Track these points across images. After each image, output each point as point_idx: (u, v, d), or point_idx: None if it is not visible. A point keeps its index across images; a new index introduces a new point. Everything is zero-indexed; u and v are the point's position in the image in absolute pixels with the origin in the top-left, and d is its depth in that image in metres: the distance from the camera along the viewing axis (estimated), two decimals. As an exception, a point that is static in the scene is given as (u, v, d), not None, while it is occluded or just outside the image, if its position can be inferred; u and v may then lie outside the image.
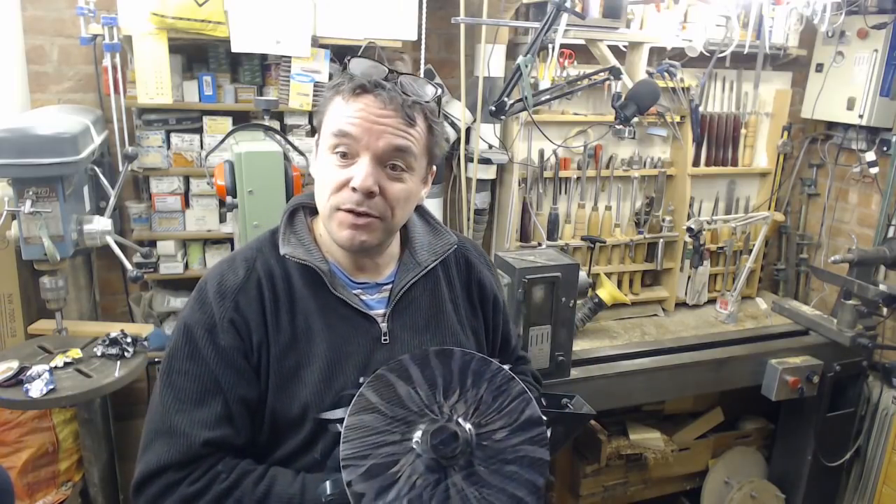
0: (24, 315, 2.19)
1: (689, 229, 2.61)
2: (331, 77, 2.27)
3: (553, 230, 2.70)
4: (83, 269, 2.35)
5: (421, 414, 0.96)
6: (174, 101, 2.21)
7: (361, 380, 0.98)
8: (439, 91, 1.09)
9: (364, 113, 1.01)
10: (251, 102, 2.30)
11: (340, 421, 0.94)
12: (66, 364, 1.87)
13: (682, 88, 2.66)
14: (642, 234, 2.80)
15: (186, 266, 2.43)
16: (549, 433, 1.03)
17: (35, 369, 1.77)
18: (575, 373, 2.24)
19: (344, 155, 1.03)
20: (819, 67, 3.02)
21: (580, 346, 2.42)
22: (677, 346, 2.51)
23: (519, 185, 2.63)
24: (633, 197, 2.80)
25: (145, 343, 2.04)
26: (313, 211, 1.15)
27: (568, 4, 2.05)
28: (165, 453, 1.00)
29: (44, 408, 2.03)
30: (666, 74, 2.54)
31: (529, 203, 2.66)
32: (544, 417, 1.03)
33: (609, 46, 2.37)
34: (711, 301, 2.95)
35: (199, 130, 2.33)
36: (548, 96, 2.30)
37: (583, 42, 2.39)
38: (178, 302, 2.42)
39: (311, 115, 2.37)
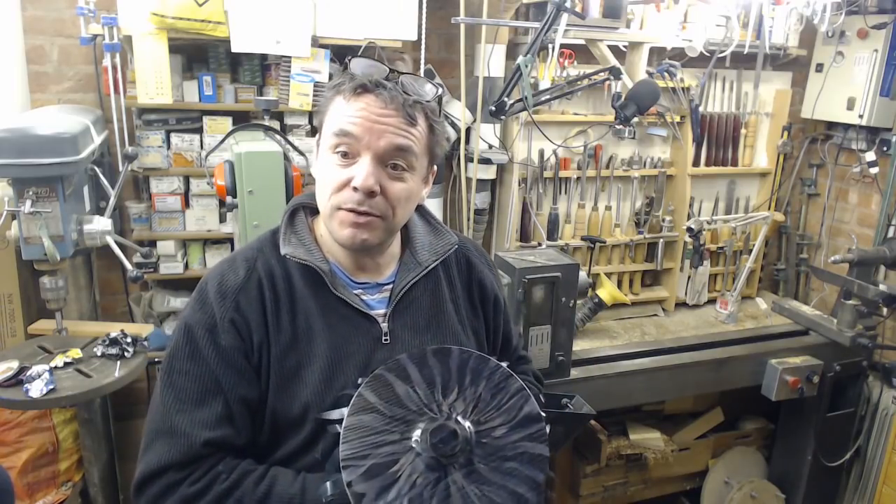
0: (24, 315, 2.19)
1: (689, 229, 2.61)
2: (331, 77, 2.27)
3: (553, 230, 2.70)
4: (83, 269, 2.35)
5: (420, 413, 0.96)
6: (174, 101, 2.21)
7: (360, 381, 0.98)
8: (440, 90, 1.09)
9: (365, 112, 1.01)
10: (251, 102, 2.30)
11: (339, 421, 0.94)
12: (66, 364, 1.87)
13: (682, 88, 2.66)
14: (642, 234, 2.80)
15: (186, 266, 2.43)
16: (548, 429, 1.03)
17: (35, 369, 1.77)
18: (575, 373, 2.24)
19: (345, 154, 1.03)
20: (819, 67, 3.03)
21: (580, 346, 2.42)
22: (677, 346, 2.51)
23: (519, 185, 2.63)
24: (633, 197, 2.80)
25: (145, 343, 2.04)
26: (314, 211, 1.15)
27: (568, 4, 2.06)
28: (166, 453, 1.00)
29: (44, 408, 2.03)
30: (666, 74, 2.54)
31: (529, 203, 2.66)
32: (543, 413, 1.03)
33: (609, 46, 2.37)
34: (711, 301, 2.95)
35: (199, 130, 2.33)
36: (548, 96, 2.30)
37: (583, 42, 2.39)
38: (178, 302, 2.42)
39: (311, 115, 2.37)
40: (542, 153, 2.64)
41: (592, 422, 2.58)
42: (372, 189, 1.01)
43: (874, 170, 2.91)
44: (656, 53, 2.75)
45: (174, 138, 2.30)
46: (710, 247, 2.92)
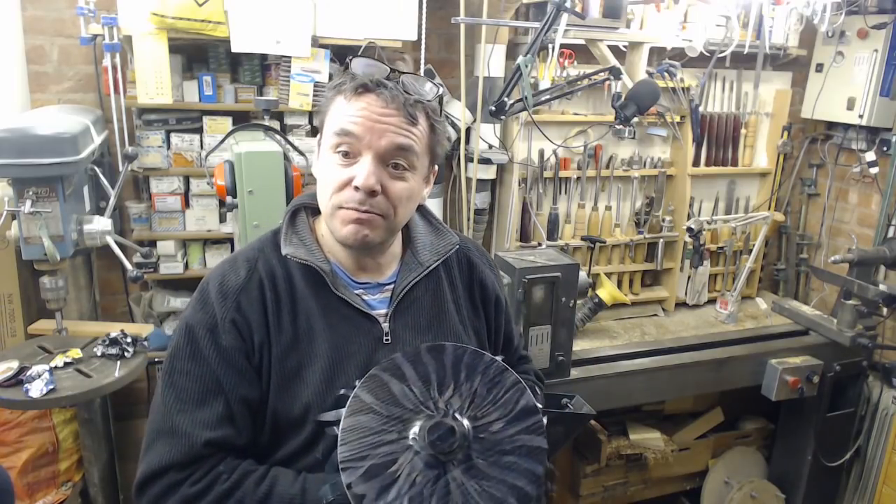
0: (24, 315, 2.19)
1: (689, 229, 2.61)
2: (331, 77, 2.27)
3: (553, 230, 2.70)
4: (83, 269, 2.35)
5: (416, 411, 0.96)
6: (174, 101, 2.21)
7: (357, 382, 0.98)
8: (441, 90, 1.09)
9: (366, 112, 1.01)
10: (251, 102, 2.30)
11: (337, 423, 0.94)
12: (66, 364, 1.87)
13: (682, 88, 2.66)
14: (642, 234, 2.80)
15: (186, 266, 2.43)
16: (545, 420, 1.03)
17: (35, 369, 1.77)
18: (575, 373, 2.24)
19: (346, 154, 1.03)
20: (819, 67, 3.03)
21: (580, 346, 2.42)
22: (677, 346, 2.51)
23: (519, 185, 2.63)
24: (633, 197, 2.80)
25: (145, 343, 2.03)
26: (315, 211, 1.15)
27: (568, 4, 2.06)
28: (167, 453, 1.00)
29: (44, 408, 2.03)
30: (666, 74, 2.54)
31: (529, 203, 2.66)
32: (539, 405, 1.03)
33: (609, 46, 2.37)
34: (711, 301, 2.95)
35: (199, 130, 2.33)
36: (548, 96, 2.30)
37: (583, 42, 2.39)
38: (178, 302, 2.42)
39: (311, 115, 2.37)
40: (542, 153, 2.64)
41: (592, 422, 2.58)
42: (373, 188, 1.01)
43: (874, 170, 2.92)
44: (656, 53, 2.75)
45: (174, 138, 2.30)
46: (710, 247, 2.92)
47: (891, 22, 2.74)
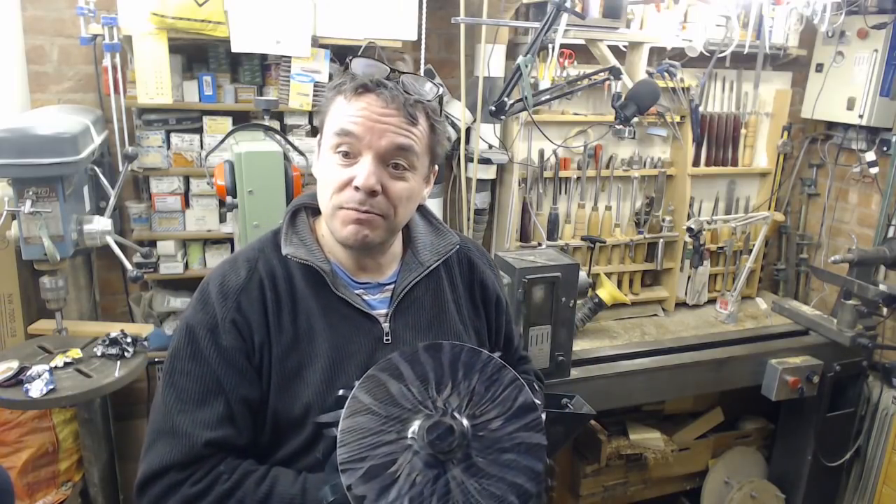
0: (24, 315, 2.19)
1: (689, 229, 2.61)
2: (331, 77, 2.27)
3: (553, 230, 2.70)
4: (83, 269, 2.35)
5: (415, 411, 0.96)
6: (174, 101, 2.21)
7: (356, 383, 0.98)
8: (441, 90, 1.09)
9: (366, 112, 1.01)
10: (251, 102, 2.30)
11: (335, 424, 0.94)
12: (66, 364, 1.87)
13: (682, 88, 2.66)
14: (642, 234, 2.80)
15: (186, 266, 2.43)
16: (543, 416, 1.03)
17: (35, 369, 1.77)
18: (575, 373, 2.24)
19: (346, 154, 1.03)
20: (819, 67, 3.03)
21: (580, 346, 2.42)
22: (677, 346, 2.51)
23: (519, 185, 2.63)
24: (633, 197, 2.80)
25: (145, 343, 2.03)
26: (315, 211, 1.15)
27: (568, 4, 2.06)
28: (168, 454, 1.00)
29: (44, 408, 2.03)
30: (666, 74, 2.54)
31: (529, 203, 2.66)
32: (537, 402, 1.03)
33: (609, 46, 2.37)
34: (711, 301, 2.95)
35: (199, 130, 2.33)
36: (548, 96, 2.30)
37: (583, 42, 2.39)
38: (178, 302, 2.42)
39: (311, 115, 2.37)
40: (542, 153, 2.64)
41: (592, 422, 2.58)
42: (373, 188, 1.01)
43: (874, 170, 2.92)
44: (656, 53, 2.75)
45: (174, 138, 2.30)
46: (710, 247, 2.92)
47: (891, 22, 2.74)
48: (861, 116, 2.85)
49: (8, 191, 1.85)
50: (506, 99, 2.11)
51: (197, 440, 1.00)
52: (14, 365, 1.80)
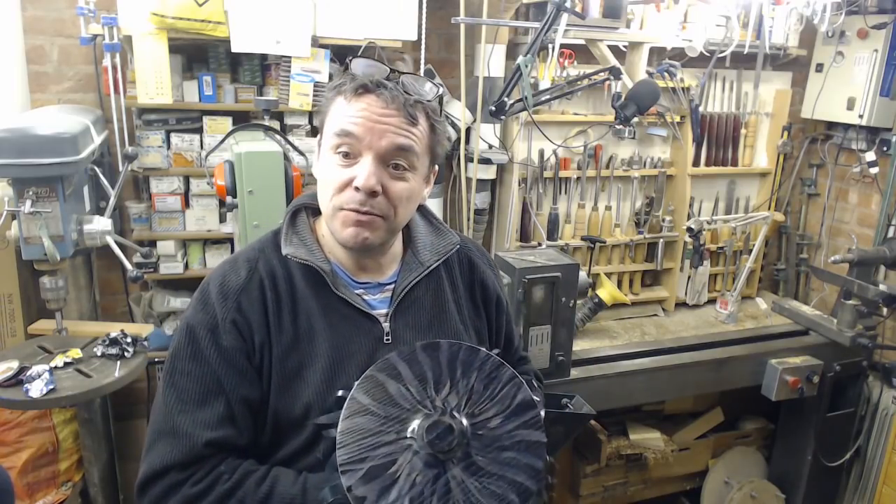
0: (24, 315, 2.19)
1: (689, 229, 2.61)
2: (331, 77, 2.27)
3: (553, 230, 2.70)
4: (83, 269, 2.35)
5: (414, 410, 0.96)
6: (174, 101, 2.21)
7: (355, 383, 0.98)
8: (440, 90, 1.09)
9: (366, 112, 1.01)
10: (251, 102, 2.30)
11: (335, 425, 0.94)
12: (66, 364, 1.87)
13: (682, 88, 2.66)
14: (642, 234, 2.80)
15: (186, 266, 2.43)
16: (542, 414, 1.03)
17: (35, 369, 1.77)
18: (575, 373, 2.24)
19: (346, 155, 1.03)
20: (819, 67, 3.03)
21: (580, 346, 2.42)
22: (677, 346, 2.51)
23: (519, 185, 2.63)
24: (633, 197, 2.80)
25: (145, 343, 2.03)
26: (316, 211, 1.15)
27: (568, 4, 2.05)
28: (168, 454, 1.00)
29: (44, 408, 2.03)
30: (666, 74, 2.53)
31: (529, 203, 2.66)
32: (537, 399, 1.03)
33: (609, 46, 2.37)
34: (711, 301, 2.95)
35: (199, 130, 2.33)
36: (548, 96, 2.30)
37: (583, 42, 2.39)
38: (178, 302, 2.42)
39: (311, 115, 2.37)
40: (542, 153, 2.64)
41: (592, 422, 2.58)
42: (374, 189, 1.01)
43: (874, 170, 2.92)
44: (656, 53, 2.75)
45: (174, 138, 2.30)
46: (710, 247, 2.92)
47: (891, 22, 2.74)
48: (861, 116, 2.85)
49: (8, 191, 1.85)
50: (506, 99, 2.11)
51: (197, 440, 1.00)
52: (14, 365, 1.80)
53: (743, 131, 2.93)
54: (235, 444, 1.04)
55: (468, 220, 2.62)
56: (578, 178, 2.70)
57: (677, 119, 2.72)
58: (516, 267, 1.99)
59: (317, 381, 1.05)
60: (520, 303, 2.00)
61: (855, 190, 3.09)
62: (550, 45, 2.21)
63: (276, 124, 2.15)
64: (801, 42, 2.93)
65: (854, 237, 3.05)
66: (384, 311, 1.13)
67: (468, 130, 2.56)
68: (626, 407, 2.66)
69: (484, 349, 1.03)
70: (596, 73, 2.29)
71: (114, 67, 2.13)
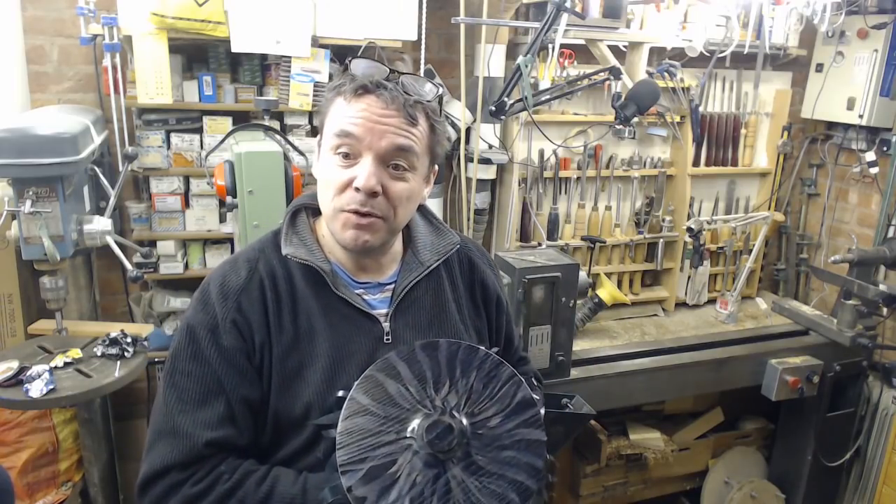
0: (24, 315, 2.19)
1: (689, 229, 2.61)
2: (331, 77, 2.27)
3: (553, 230, 2.70)
4: (83, 269, 2.35)
5: (414, 410, 0.96)
6: (174, 101, 2.21)
7: (355, 384, 0.98)
8: (440, 90, 1.09)
9: (366, 113, 1.01)
10: (251, 102, 2.30)
11: (335, 426, 0.94)
12: (66, 364, 1.87)
13: (682, 88, 2.66)
14: (642, 234, 2.80)
15: (186, 266, 2.43)
16: (542, 412, 1.03)
17: (35, 369, 1.77)
18: (575, 373, 2.24)
19: (346, 155, 1.03)
20: (819, 67, 3.03)
21: (580, 346, 2.42)
22: (677, 346, 2.51)
23: (519, 185, 2.63)
24: (633, 197, 2.81)
25: (145, 343, 2.03)
26: (316, 212, 1.15)
27: (568, 4, 2.06)
28: (169, 454, 1.00)
29: (44, 408, 2.03)
30: (666, 74, 2.54)
31: (529, 203, 2.66)
32: (536, 397, 1.03)
33: (609, 46, 2.37)
34: (711, 301, 2.95)
35: (199, 130, 2.33)
36: (548, 96, 2.30)
37: (583, 42, 2.39)
38: (178, 302, 2.42)
39: (311, 115, 2.37)
40: (542, 153, 2.64)
41: (592, 422, 2.58)
42: (374, 189, 1.01)
43: (874, 170, 2.92)
44: (656, 53, 2.75)
45: (174, 138, 2.30)
46: (710, 247, 2.92)
47: (891, 22, 2.74)
48: (861, 116, 2.85)
49: (8, 191, 1.85)
50: (506, 99, 2.11)
51: (198, 440, 1.00)
52: (14, 365, 1.80)
53: (743, 131, 2.93)
54: (236, 444, 1.04)
55: (468, 220, 2.62)
56: (578, 178, 2.70)
57: (677, 119, 2.72)
58: (516, 267, 1.99)
59: (317, 380, 1.05)
60: (520, 303, 2.00)
61: (855, 190, 3.09)
62: (550, 45, 2.21)
63: (276, 124, 2.15)
64: (801, 42, 2.93)
65: (854, 237, 3.05)
66: (384, 310, 1.13)
67: (468, 130, 2.56)
68: (626, 407, 2.66)
69: (483, 348, 1.03)
70: (596, 73, 2.29)
71: (114, 67, 2.13)
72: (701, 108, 2.77)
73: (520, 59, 2.06)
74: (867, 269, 2.67)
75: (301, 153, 2.17)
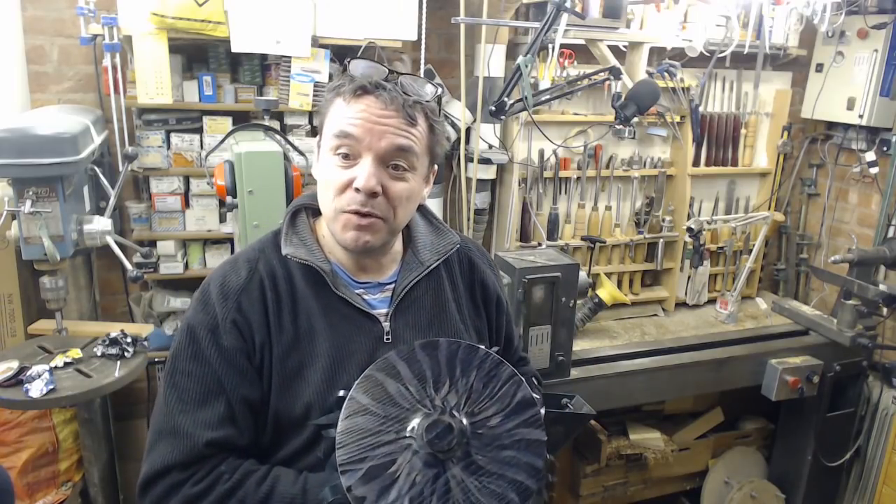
0: (24, 315, 2.19)
1: (689, 229, 2.61)
2: (331, 77, 2.27)
3: (553, 230, 2.70)
4: (83, 269, 2.35)
5: (413, 410, 0.96)
6: (174, 101, 2.21)
7: (355, 383, 0.98)
8: (440, 90, 1.09)
9: (365, 114, 1.01)
10: (251, 102, 2.30)
11: (335, 425, 0.94)
12: (66, 364, 1.87)
13: (682, 88, 2.66)
14: (642, 234, 2.80)
15: (186, 266, 2.43)
16: (542, 412, 1.03)
17: (35, 369, 1.77)
18: (575, 373, 2.24)
19: (346, 156, 1.03)
20: (819, 67, 3.03)
21: (580, 346, 2.42)
22: (677, 346, 2.51)
23: (519, 185, 2.63)
24: (633, 197, 2.81)
25: (145, 343, 2.04)
26: (316, 212, 1.15)
27: (568, 4, 2.06)
28: (169, 454, 1.00)
29: (44, 408, 2.03)
30: (666, 74, 2.54)
31: (529, 203, 2.66)
32: (536, 396, 1.03)
33: (609, 46, 2.37)
34: (711, 301, 2.95)
35: (199, 130, 2.33)
36: (548, 96, 2.30)
37: (583, 42, 2.39)
38: (178, 302, 2.42)
39: (311, 115, 2.37)
40: (542, 153, 2.64)
41: (592, 422, 2.58)
42: (374, 190, 1.01)
43: (874, 170, 2.92)
44: (656, 53, 2.75)
45: (174, 138, 2.30)
46: (710, 247, 2.92)
47: (891, 22, 2.74)
48: (861, 116, 2.85)
49: (8, 191, 1.86)
50: (506, 99, 2.11)
51: (198, 440, 1.00)
52: (14, 365, 1.80)
53: (743, 131, 2.93)
54: (236, 444, 1.04)
55: (468, 220, 2.62)
56: (578, 178, 2.70)
57: (677, 119, 2.72)
58: (516, 267, 1.99)
59: (317, 380, 1.05)
60: (520, 303, 2.00)
61: (855, 190, 3.09)
62: (550, 45, 2.21)
63: (276, 124, 2.15)
64: (801, 42, 2.93)
65: (854, 237, 3.05)
66: (384, 310, 1.13)
67: (468, 130, 2.56)
68: (626, 407, 2.66)
69: (483, 347, 1.03)
70: (596, 73, 2.29)
71: (114, 67, 2.13)
72: (701, 108, 2.77)
73: (520, 59, 2.06)
74: (867, 269, 2.67)
75: (301, 153, 2.17)
